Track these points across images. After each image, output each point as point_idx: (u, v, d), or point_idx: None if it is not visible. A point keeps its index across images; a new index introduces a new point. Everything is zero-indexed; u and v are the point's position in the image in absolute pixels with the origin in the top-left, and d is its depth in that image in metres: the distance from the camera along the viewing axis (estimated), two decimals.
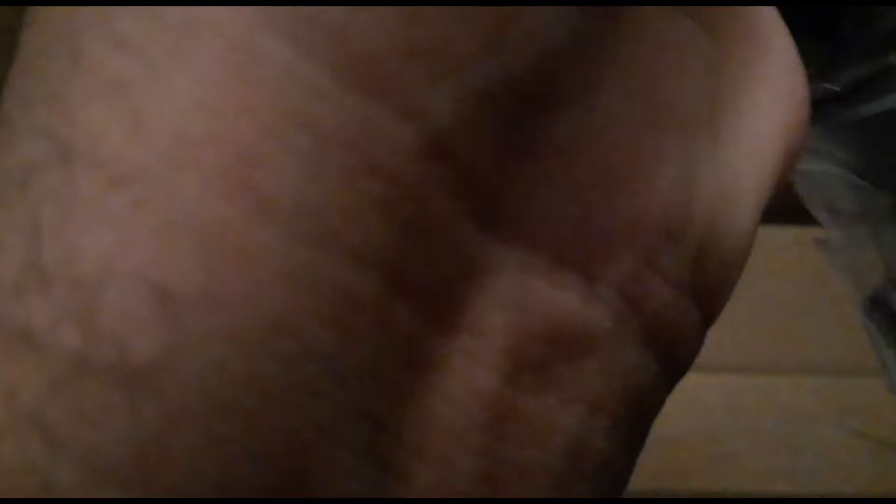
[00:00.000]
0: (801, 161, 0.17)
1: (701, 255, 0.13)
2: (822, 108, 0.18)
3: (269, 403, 0.10)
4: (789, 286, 0.57)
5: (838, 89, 0.18)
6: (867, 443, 0.56)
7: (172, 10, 0.10)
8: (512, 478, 0.12)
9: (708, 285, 0.14)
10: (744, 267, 0.14)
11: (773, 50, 0.15)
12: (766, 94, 0.14)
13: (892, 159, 0.20)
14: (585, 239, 0.12)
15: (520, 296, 0.12)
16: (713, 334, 0.15)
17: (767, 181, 0.14)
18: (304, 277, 0.10)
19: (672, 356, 0.14)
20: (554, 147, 0.12)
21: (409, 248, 0.11)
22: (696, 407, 0.59)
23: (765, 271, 0.56)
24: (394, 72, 0.10)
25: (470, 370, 0.12)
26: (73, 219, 0.10)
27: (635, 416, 0.13)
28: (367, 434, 0.11)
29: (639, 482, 0.14)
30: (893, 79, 0.19)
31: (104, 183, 0.10)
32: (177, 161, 0.10)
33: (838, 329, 0.56)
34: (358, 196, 0.10)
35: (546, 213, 0.12)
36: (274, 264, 0.10)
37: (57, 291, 0.10)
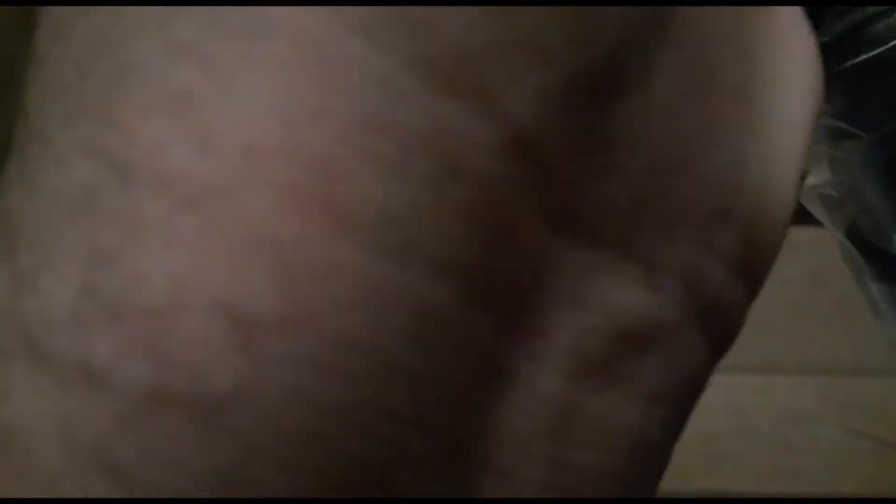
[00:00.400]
0: None
1: (749, 230, 0.13)
2: None
3: (348, 430, 0.10)
4: (789, 286, 0.57)
5: (826, 39, 0.19)
6: (867, 443, 0.56)
7: (236, 11, 0.09)
8: (576, 485, 0.12)
9: (754, 260, 0.14)
10: (785, 238, 0.14)
11: (790, 23, 0.14)
12: (792, 64, 0.14)
13: (871, 106, 0.21)
14: (645, 229, 0.12)
15: (583, 293, 0.12)
16: None
17: (803, 149, 0.14)
18: (385, 293, 0.10)
19: (721, 336, 0.13)
20: (616, 139, 0.12)
21: (486, 253, 0.11)
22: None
23: None
24: (477, 67, 0.10)
25: (535, 374, 0.11)
26: (138, 244, 0.09)
27: (685, 401, 0.13)
28: (443, 453, 0.11)
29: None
30: (870, 31, 0.20)
31: (172, 204, 0.09)
32: (248, 177, 0.09)
33: (838, 329, 0.56)
34: (440, 203, 0.10)
35: (608, 206, 0.12)
36: (354, 282, 0.10)
37: (123, 322, 0.09)
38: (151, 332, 0.09)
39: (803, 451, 0.57)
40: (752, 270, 0.14)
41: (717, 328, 0.13)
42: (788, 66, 0.14)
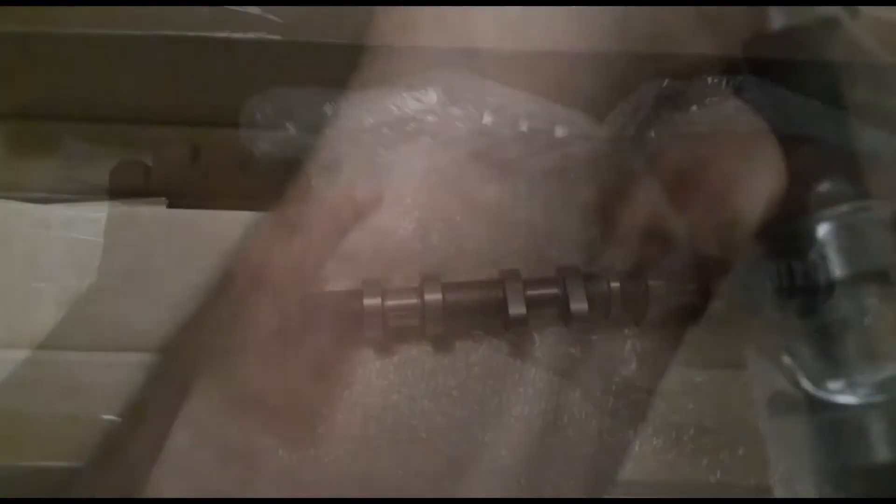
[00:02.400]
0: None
1: (732, 225, 0.23)
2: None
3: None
4: None
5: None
6: None
7: None
8: None
9: (729, 241, 0.23)
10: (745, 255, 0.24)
11: (768, 142, 0.25)
12: (762, 166, 0.24)
13: None
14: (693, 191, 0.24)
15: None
16: None
17: (759, 211, 0.24)
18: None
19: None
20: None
21: None
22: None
23: None
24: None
25: None
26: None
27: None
28: None
29: (637, 480, 0.15)
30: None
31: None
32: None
33: None
34: None
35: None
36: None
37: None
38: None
39: None
40: (727, 248, 0.23)
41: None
42: (760, 165, 0.24)
